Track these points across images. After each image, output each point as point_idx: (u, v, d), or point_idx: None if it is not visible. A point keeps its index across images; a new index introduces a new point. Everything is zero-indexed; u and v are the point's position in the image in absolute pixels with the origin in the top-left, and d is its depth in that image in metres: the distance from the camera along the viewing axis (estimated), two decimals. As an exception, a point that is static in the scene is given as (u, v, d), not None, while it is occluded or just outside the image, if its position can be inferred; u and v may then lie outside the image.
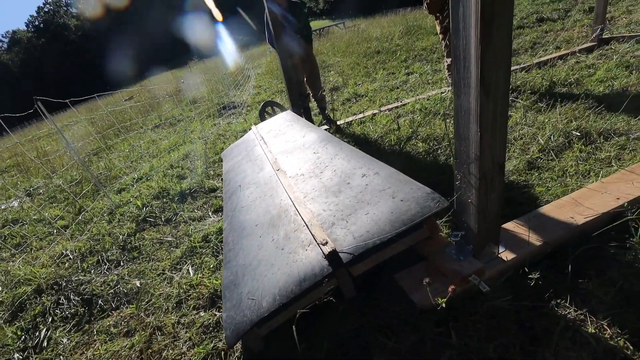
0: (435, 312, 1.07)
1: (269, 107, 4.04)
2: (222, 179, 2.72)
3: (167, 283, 1.70)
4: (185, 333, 1.36)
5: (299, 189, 1.67)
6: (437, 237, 1.29)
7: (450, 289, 0.90)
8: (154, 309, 1.54)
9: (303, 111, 3.58)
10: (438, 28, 3.31)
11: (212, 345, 1.26)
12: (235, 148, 2.99)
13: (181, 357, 1.25)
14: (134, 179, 3.36)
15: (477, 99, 0.90)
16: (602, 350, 0.90)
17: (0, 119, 2.71)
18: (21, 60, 47.34)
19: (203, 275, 1.67)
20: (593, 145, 1.92)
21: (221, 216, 2.25)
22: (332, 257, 1.12)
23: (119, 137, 5.81)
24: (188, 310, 1.48)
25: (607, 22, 4.09)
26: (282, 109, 3.88)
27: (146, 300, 1.61)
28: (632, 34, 3.59)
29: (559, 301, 1.06)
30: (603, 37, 3.68)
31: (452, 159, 2.17)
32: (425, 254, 1.25)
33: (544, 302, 1.06)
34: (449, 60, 3.32)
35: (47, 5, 54.97)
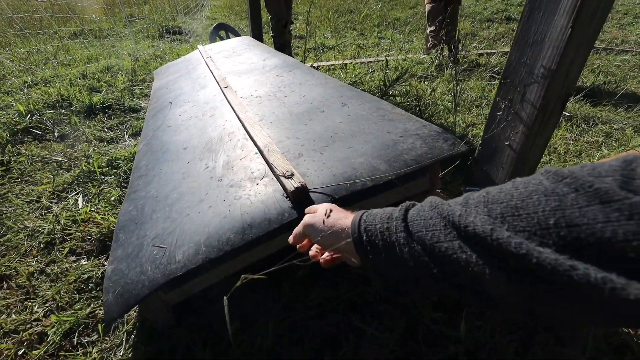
0: (434, 290, 0.76)
1: (223, 32, 3.34)
2: (150, 99, 2.10)
3: (40, 215, 1.15)
4: (48, 289, 0.87)
5: (253, 111, 1.21)
6: (435, 192, 0.97)
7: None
8: (5, 248, 1.01)
9: (280, 48, 2.97)
10: None
11: (87, 311, 0.81)
12: (174, 66, 2.34)
13: (29, 327, 0.78)
14: (25, 82, 2.51)
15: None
16: (645, 357, 0.68)
17: None
18: None
19: (97, 209, 1.16)
20: (580, 129, 1.78)
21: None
22: (300, 195, 0.72)
23: (18, 36, 4.51)
24: (61, 255, 0.98)
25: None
26: (239, 35, 3.23)
27: (-3, 235, 1.06)
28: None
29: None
30: None
31: (434, 117, 1.88)
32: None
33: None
34: (431, 27, 3.01)
35: None
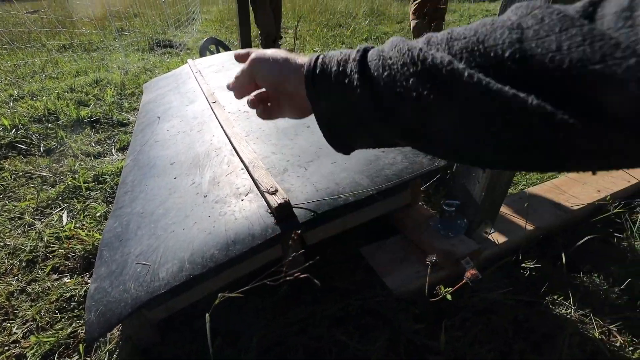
0: (415, 302, 0.78)
1: (213, 46, 3.38)
2: (138, 113, 2.10)
3: (22, 232, 1.14)
4: (29, 309, 0.86)
5: (240, 126, 1.23)
6: (418, 205, 0.99)
7: (467, 275, 0.60)
8: (-15, 267, 0.99)
9: None
10: (412, 7, 3.06)
11: (68, 331, 0.80)
12: (163, 80, 2.36)
13: (7, 349, 0.77)
14: (11, 95, 2.49)
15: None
16: (618, 364, 0.70)
17: None
18: None
19: (82, 225, 1.15)
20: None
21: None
22: (283, 212, 0.74)
23: (5, 49, 4.48)
24: (43, 273, 0.97)
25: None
26: (229, 50, 3.28)
27: (-22, 253, 1.04)
28: None
29: (555, 297, 0.85)
30: None
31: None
32: (403, 226, 0.95)
33: (540, 297, 0.84)
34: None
35: None
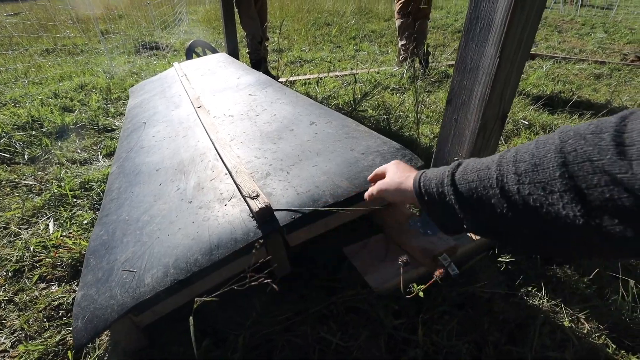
0: (396, 298, 0.81)
1: (200, 48, 3.37)
2: (124, 118, 2.09)
3: (8, 242, 1.14)
4: (16, 319, 0.87)
5: (225, 131, 1.25)
6: (399, 204, 1.02)
7: (437, 273, 0.63)
8: (-28, 278, 0.99)
9: (256, 65, 3.01)
10: (396, 6, 3.09)
11: (57, 338, 0.81)
12: (149, 84, 2.35)
13: (-4, 358, 0.78)
14: (-6, 102, 2.45)
15: (508, 6, 0.62)
16: (585, 349, 0.75)
17: None
18: None
19: (69, 233, 1.16)
20: (538, 136, 1.90)
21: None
22: (265, 215, 0.76)
23: (-14, 53, 4.39)
24: (30, 283, 0.97)
25: (535, 40, 4.41)
26: (215, 52, 3.27)
27: (-37, 265, 1.04)
28: (552, 54, 3.92)
29: (529, 289, 0.89)
30: (531, 52, 3.92)
31: (403, 129, 1.97)
32: (384, 226, 0.98)
33: (514, 289, 0.88)
34: (402, 42, 3.15)
35: None
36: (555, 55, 3.86)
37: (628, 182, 0.28)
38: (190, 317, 0.58)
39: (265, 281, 0.54)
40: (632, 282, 0.84)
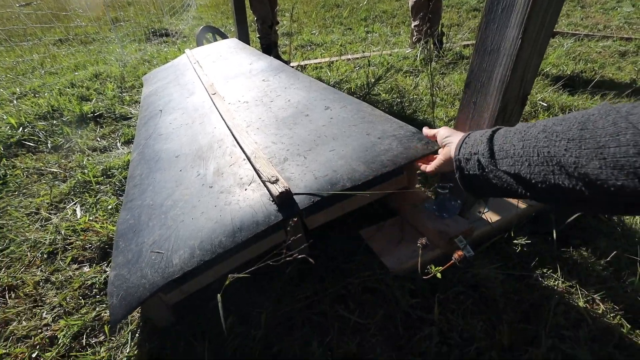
0: (411, 279, 0.84)
1: (210, 34, 3.36)
2: (140, 106, 2.13)
3: (40, 226, 1.20)
4: (55, 296, 0.93)
5: (241, 117, 1.27)
6: (414, 189, 1.04)
7: (456, 255, 0.65)
8: (10, 260, 1.06)
9: (267, 49, 2.99)
10: None
11: (93, 314, 0.87)
12: (162, 71, 2.37)
13: (39, 332, 0.84)
14: (14, 93, 2.53)
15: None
16: (599, 328, 0.76)
17: None
18: None
19: (96, 218, 1.21)
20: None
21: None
22: (285, 199, 0.79)
23: (2, 45, 4.47)
24: (64, 264, 1.03)
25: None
26: (226, 37, 3.26)
27: (1, 247, 1.11)
28: (573, 32, 3.74)
29: (545, 271, 0.90)
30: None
31: (417, 112, 1.95)
32: (400, 209, 1.00)
33: (530, 271, 0.89)
34: (415, 22, 3.06)
35: None
36: (577, 32, 3.69)
37: None
38: (218, 295, 0.61)
39: (300, 256, 0.56)
40: (650, 263, 0.84)
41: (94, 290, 0.94)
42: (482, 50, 0.74)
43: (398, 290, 0.82)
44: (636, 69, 2.55)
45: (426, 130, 0.83)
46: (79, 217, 1.22)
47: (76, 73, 3.12)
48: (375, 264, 0.88)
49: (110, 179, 1.46)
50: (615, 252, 0.91)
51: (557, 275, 0.88)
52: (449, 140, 0.69)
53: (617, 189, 0.37)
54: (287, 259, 0.58)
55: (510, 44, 0.68)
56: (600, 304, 0.82)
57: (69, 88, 2.62)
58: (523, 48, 0.67)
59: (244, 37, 3.01)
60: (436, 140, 0.75)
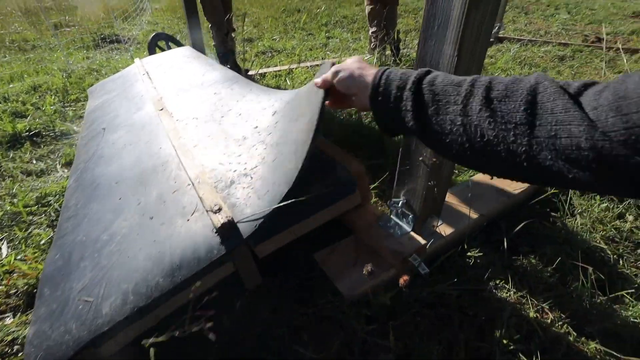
0: (367, 304, 0.81)
1: (163, 42, 3.20)
2: (83, 123, 1.97)
3: (-43, 269, 1.05)
4: (-33, 356, 0.81)
5: (189, 136, 1.19)
6: (368, 205, 1.02)
7: (402, 281, 0.63)
8: None
9: (223, 57, 2.87)
10: None
11: (14, 375, 0.76)
12: (110, 83, 2.21)
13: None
14: None
15: (463, 5, 0.61)
16: (549, 338, 0.78)
17: None
18: None
19: (25, 256, 1.08)
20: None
21: (74, 171, 1.59)
22: (227, 230, 0.73)
23: None
24: (-18, 314, 0.91)
25: (503, 23, 4.47)
26: (180, 45, 3.12)
27: None
28: (519, 37, 3.99)
29: (497, 282, 0.91)
30: (499, 35, 3.98)
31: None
32: (354, 228, 0.98)
33: (483, 283, 0.90)
34: (372, 29, 3.11)
35: None
36: (522, 38, 3.93)
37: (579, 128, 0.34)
38: (151, 349, 0.55)
39: (207, 325, 0.52)
40: (590, 269, 0.88)
41: (16, 346, 0.83)
42: (423, 66, 0.74)
43: (354, 318, 0.79)
44: (572, 72, 2.75)
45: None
46: (4, 256, 1.09)
47: (11, 85, 2.84)
48: (331, 289, 0.85)
49: (45, 208, 1.32)
50: (559, 258, 0.94)
51: (509, 286, 0.90)
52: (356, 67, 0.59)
53: (570, 180, 0.37)
54: (194, 329, 0.53)
55: (447, 61, 0.68)
56: (549, 312, 0.84)
57: (0, 103, 2.38)
58: (460, 65, 0.67)
59: (199, 45, 2.89)
60: (330, 81, 0.65)
